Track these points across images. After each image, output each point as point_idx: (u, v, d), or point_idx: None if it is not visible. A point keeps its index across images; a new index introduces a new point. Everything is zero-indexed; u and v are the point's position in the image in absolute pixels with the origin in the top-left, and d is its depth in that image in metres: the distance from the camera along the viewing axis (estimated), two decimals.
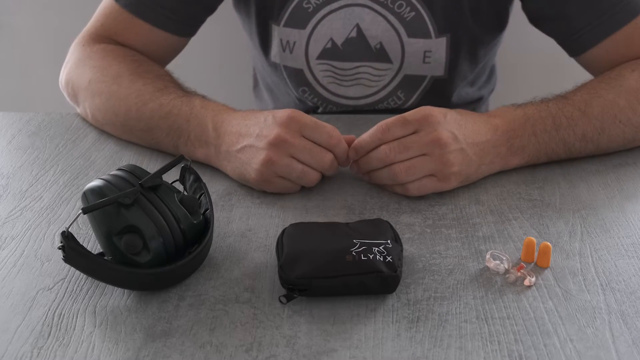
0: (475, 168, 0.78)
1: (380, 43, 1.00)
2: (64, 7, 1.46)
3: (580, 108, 0.82)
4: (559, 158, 0.83)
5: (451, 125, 0.75)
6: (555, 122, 0.81)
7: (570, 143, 0.82)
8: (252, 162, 0.76)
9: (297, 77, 1.07)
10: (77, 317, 0.60)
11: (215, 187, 0.79)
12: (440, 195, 0.78)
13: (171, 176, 0.69)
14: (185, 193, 0.68)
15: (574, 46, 0.94)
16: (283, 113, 0.75)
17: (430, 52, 1.01)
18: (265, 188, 0.78)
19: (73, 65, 0.96)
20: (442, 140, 0.74)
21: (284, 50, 1.05)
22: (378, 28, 0.99)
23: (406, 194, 0.77)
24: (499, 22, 1.03)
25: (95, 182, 0.63)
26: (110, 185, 0.62)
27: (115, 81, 0.89)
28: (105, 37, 0.98)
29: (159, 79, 0.90)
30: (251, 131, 0.76)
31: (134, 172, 0.64)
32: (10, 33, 1.51)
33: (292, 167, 0.75)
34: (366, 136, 0.76)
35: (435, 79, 1.04)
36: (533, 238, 0.67)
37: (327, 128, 0.75)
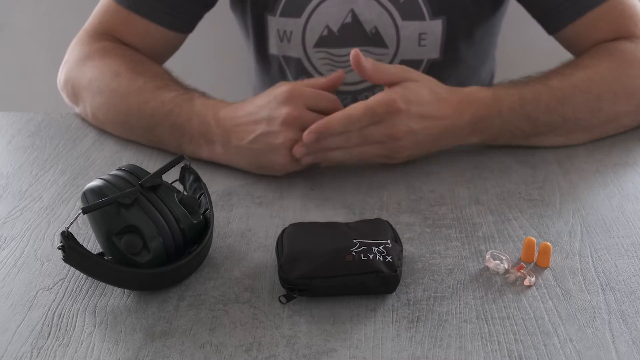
0: (427, 151, 0.83)
1: (375, 27, 1.01)
2: (64, 7, 1.46)
3: (541, 82, 0.86)
4: (524, 135, 0.85)
5: (413, 119, 0.78)
6: (521, 97, 0.83)
7: (534, 117, 0.84)
8: (272, 148, 0.78)
9: (297, 66, 1.07)
10: (77, 317, 0.60)
11: (215, 187, 0.79)
12: (440, 195, 0.78)
13: (171, 176, 0.69)
14: (185, 193, 0.68)
15: (553, 22, 0.96)
16: (282, 91, 0.78)
17: (425, 35, 1.01)
18: (293, 169, 0.80)
19: (73, 65, 0.96)
20: (398, 135, 0.78)
21: (281, 41, 1.05)
22: (372, 12, 1.00)
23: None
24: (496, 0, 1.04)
25: (95, 182, 0.63)
26: (110, 185, 0.62)
27: (115, 79, 0.90)
28: (103, 35, 0.98)
29: (158, 77, 0.90)
30: (260, 117, 0.78)
31: (134, 172, 0.64)
32: (10, 33, 1.51)
33: None
34: (334, 123, 0.76)
35: (432, 62, 1.04)
36: (533, 238, 0.67)
37: (328, 95, 0.79)
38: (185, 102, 0.84)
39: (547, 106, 0.84)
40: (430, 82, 0.82)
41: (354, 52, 0.79)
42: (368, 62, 0.79)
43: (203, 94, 0.87)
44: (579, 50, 0.95)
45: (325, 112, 0.78)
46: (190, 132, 0.83)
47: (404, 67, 0.81)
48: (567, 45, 0.98)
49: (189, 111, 0.83)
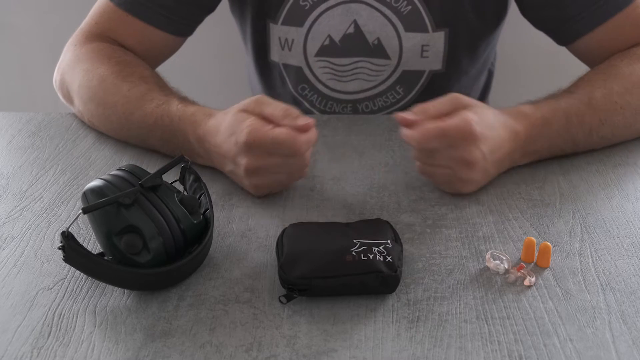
0: (489, 179, 0.78)
1: (378, 39, 1.01)
2: (64, 7, 1.46)
3: (584, 101, 0.83)
4: (563, 153, 0.85)
5: (485, 142, 0.73)
6: (567, 120, 0.81)
7: (577, 139, 0.83)
8: (243, 184, 0.77)
9: (297, 75, 1.07)
10: (77, 317, 0.60)
11: (215, 187, 0.79)
12: (440, 195, 0.78)
13: (171, 176, 0.69)
14: (185, 193, 0.68)
15: (567, 34, 0.95)
16: (242, 138, 0.71)
17: (427, 46, 1.01)
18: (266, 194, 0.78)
19: (66, 67, 0.95)
20: (472, 162, 0.73)
21: (282, 49, 1.05)
22: (375, 23, 1.00)
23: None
24: (499, 12, 1.03)
25: (95, 182, 0.63)
26: (110, 185, 0.62)
27: (100, 86, 0.89)
28: (99, 36, 0.97)
29: (142, 81, 0.88)
30: (227, 154, 0.75)
31: (134, 172, 0.64)
32: (10, 33, 1.51)
33: (277, 180, 0.76)
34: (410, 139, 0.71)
35: (434, 73, 1.04)
36: (533, 238, 0.67)
37: (287, 142, 0.70)
38: (165, 115, 0.82)
39: (590, 128, 0.83)
40: (486, 106, 0.76)
41: (398, 117, 0.72)
42: (410, 113, 0.72)
43: (180, 101, 0.84)
44: (598, 58, 0.93)
45: (290, 154, 0.72)
46: (180, 146, 0.82)
47: (453, 95, 0.74)
48: (583, 54, 0.96)
49: (169, 125, 0.82)
